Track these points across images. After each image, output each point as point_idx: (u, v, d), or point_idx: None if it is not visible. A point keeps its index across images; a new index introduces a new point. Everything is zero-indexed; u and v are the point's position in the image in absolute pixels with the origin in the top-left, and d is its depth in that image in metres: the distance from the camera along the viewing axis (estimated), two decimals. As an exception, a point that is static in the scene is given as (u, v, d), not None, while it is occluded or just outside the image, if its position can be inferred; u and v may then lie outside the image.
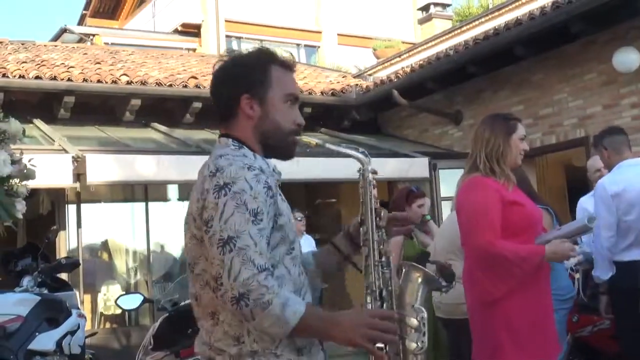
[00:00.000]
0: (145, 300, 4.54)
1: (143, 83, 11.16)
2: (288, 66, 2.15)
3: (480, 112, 10.83)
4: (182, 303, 4.21)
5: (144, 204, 10.96)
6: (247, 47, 20.37)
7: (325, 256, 2.29)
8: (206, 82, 11.72)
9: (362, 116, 12.70)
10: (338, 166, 10.41)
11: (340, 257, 2.24)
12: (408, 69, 11.83)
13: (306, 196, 14.38)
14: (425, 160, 10.70)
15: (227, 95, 2.09)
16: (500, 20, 12.03)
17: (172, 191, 11.75)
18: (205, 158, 8.00)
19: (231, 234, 1.82)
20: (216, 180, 1.89)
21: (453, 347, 4.98)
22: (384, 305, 2.03)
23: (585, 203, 5.35)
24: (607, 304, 4.76)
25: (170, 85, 11.33)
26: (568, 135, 9.58)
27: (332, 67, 17.99)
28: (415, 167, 10.66)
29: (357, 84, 13.07)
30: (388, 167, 10.64)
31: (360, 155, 2.21)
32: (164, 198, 11.68)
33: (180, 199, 11.79)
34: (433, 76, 11.04)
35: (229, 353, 1.90)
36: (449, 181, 10.12)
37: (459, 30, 14.45)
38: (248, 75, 2.08)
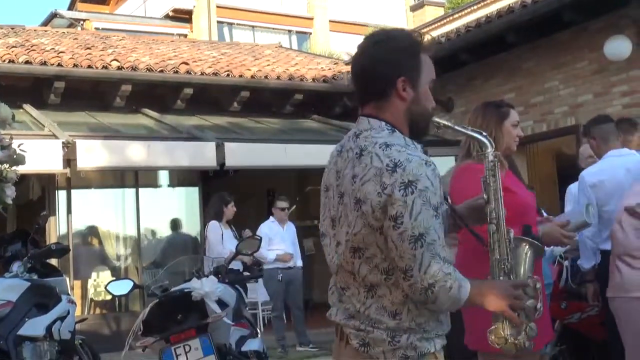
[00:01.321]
0: (135, 286, 4.53)
1: (134, 69, 11.12)
2: (431, 51, 2.24)
3: (472, 99, 10.84)
4: (173, 289, 4.20)
5: (134, 190, 10.94)
6: (238, 33, 20.24)
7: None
8: (197, 68, 11.70)
9: (354, 103, 12.68)
10: (328, 153, 10.38)
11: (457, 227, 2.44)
12: (400, 56, 11.80)
13: (296, 183, 14.39)
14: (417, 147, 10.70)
15: (384, 76, 2.13)
16: (492, 8, 12.03)
17: (163, 177, 11.73)
18: (196, 144, 7.88)
19: (421, 231, 1.97)
20: (400, 178, 1.98)
21: None
22: (511, 277, 2.24)
23: (575, 189, 5.36)
24: (594, 291, 4.78)
25: (162, 71, 11.29)
26: (559, 123, 9.60)
27: (323, 53, 17.96)
28: (406, 154, 10.65)
29: (348, 71, 13.04)
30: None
31: (483, 139, 2.33)
32: (155, 184, 11.66)
33: (171, 185, 11.79)
34: (425, 63, 11.01)
35: (387, 325, 2.05)
36: (439, 168, 10.12)
37: (450, 18, 14.44)
38: (405, 59, 2.15)
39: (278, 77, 12.05)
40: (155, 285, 4.58)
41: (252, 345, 4.45)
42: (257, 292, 9.29)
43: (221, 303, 4.09)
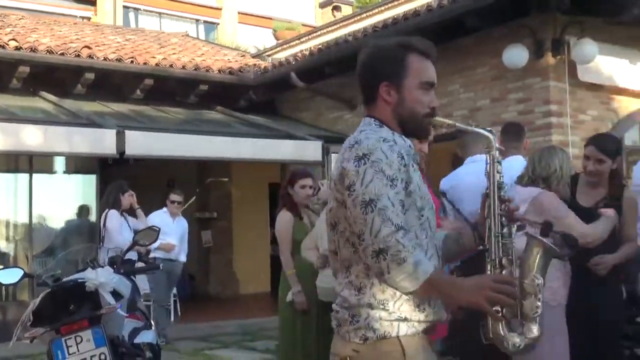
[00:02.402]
0: (25, 275, 4.38)
1: (33, 50, 10.71)
2: (426, 54, 2.33)
3: (375, 99, 11.01)
4: (65, 279, 4.08)
5: (27, 175, 10.53)
6: (144, 19, 19.70)
7: (451, 242, 2.43)
8: (100, 52, 11.40)
9: (259, 97, 12.66)
10: (231, 146, 10.37)
11: (475, 238, 2.37)
12: (307, 52, 11.87)
13: (198, 174, 14.26)
14: (319, 144, 10.79)
15: (369, 82, 2.34)
16: (399, 10, 12.23)
17: (59, 163, 11.35)
18: (95, 131, 7.73)
19: (372, 197, 2.07)
20: (355, 152, 2.14)
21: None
22: (503, 272, 2.21)
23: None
24: None
25: (62, 54, 10.92)
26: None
27: (231, 45, 17.83)
28: (309, 150, 10.73)
29: (255, 64, 13.02)
30: (282, 149, 10.68)
31: (487, 134, 2.35)
32: (50, 170, 11.28)
33: (67, 171, 11.43)
34: (331, 61, 11.11)
35: (350, 303, 2.15)
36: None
37: (358, 17, 14.60)
38: (386, 65, 2.31)
39: (183, 67, 11.88)
40: (46, 274, 4.43)
41: (145, 337, 4.37)
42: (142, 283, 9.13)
43: (116, 294, 4.00)
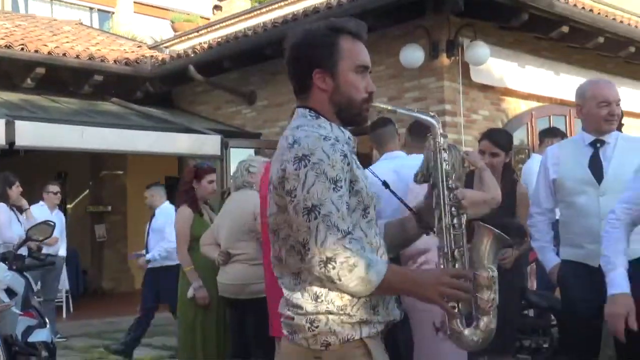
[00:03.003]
0: None
1: None
2: (358, 36, 2.19)
3: (274, 94, 11.06)
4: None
5: None
6: (35, 5, 18.99)
7: (394, 228, 2.35)
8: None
9: (155, 89, 12.45)
10: (127, 138, 10.16)
11: (418, 227, 2.29)
12: (206, 45, 11.76)
13: (91, 167, 13.90)
14: (217, 138, 10.72)
15: (300, 71, 2.17)
16: (299, 6, 12.29)
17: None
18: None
19: (315, 202, 1.95)
20: (295, 152, 1.99)
21: (237, 327, 5.06)
22: (456, 265, 2.13)
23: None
24: None
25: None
26: (355, 124, 10.00)
27: (127, 35, 17.42)
28: (207, 144, 10.63)
29: (152, 56, 12.78)
30: (180, 143, 10.55)
31: (431, 120, 2.24)
32: None
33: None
34: (230, 55, 11.08)
35: (306, 310, 2.03)
36: (237, 159, 10.22)
37: (258, 12, 14.56)
38: (318, 51, 2.15)
39: (78, 56, 11.51)
40: None
41: (39, 336, 4.25)
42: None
43: (9, 291, 3.88)
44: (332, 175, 1.97)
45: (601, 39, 10.05)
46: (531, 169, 6.62)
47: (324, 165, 1.97)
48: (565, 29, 9.50)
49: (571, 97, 10.38)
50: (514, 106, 10.04)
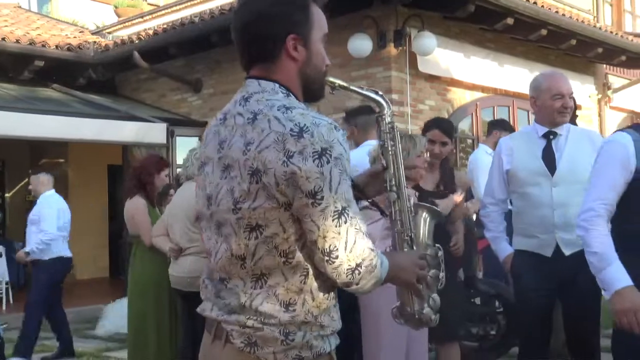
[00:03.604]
0: None
1: None
2: (320, 3, 1.98)
3: (219, 81, 10.96)
4: None
5: None
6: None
7: None
8: None
9: (98, 75, 12.19)
10: (69, 126, 9.93)
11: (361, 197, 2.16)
12: (151, 32, 11.56)
13: (30, 155, 13.57)
14: (163, 126, 10.57)
15: (270, 34, 1.87)
16: (244, -6, 12.19)
17: None
18: None
19: (344, 204, 1.75)
20: (308, 144, 1.72)
21: (187, 319, 5.00)
22: (414, 248, 2.06)
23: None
24: None
25: None
26: (303, 112, 9.99)
27: (67, 20, 17.00)
28: (152, 132, 10.47)
29: (95, 41, 12.50)
30: (125, 131, 10.36)
31: (379, 98, 2.11)
32: None
33: None
34: (176, 42, 10.91)
35: (280, 320, 1.80)
36: (187, 148, 10.12)
37: (204, -2, 14.40)
38: (293, 13, 1.89)
39: (17, 41, 11.18)
40: None
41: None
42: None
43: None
44: (349, 172, 1.79)
45: (544, 32, 10.25)
46: (477, 159, 6.73)
47: (343, 160, 1.77)
48: (510, 20, 9.65)
49: (514, 88, 10.74)
50: (460, 96, 10.18)
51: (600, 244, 2.90)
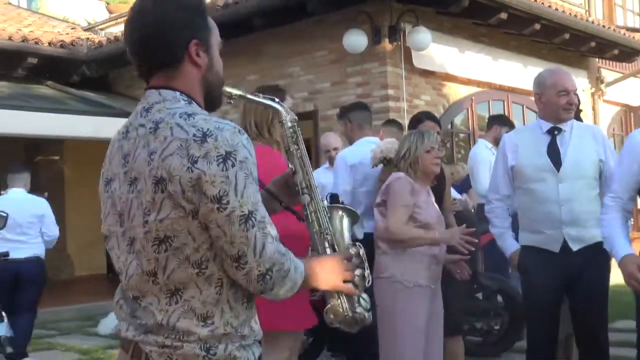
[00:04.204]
0: None
1: None
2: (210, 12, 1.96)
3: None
4: None
5: None
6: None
7: None
8: None
9: (92, 72, 12.19)
10: (66, 123, 9.92)
11: (276, 205, 2.14)
12: (144, 28, 11.53)
13: (25, 153, 13.51)
14: (157, 123, 10.54)
15: (175, 39, 1.82)
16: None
17: None
18: None
19: (250, 209, 1.70)
20: (212, 148, 1.68)
21: None
22: (335, 249, 2.05)
23: (318, 176, 5.62)
24: None
25: None
26: (298, 108, 9.95)
27: (58, 17, 16.92)
28: (148, 128, 10.44)
29: (88, 38, 12.48)
30: (119, 127, 10.32)
31: (277, 106, 2.11)
32: None
33: None
34: (170, 38, 10.90)
35: (199, 336, 1.73)
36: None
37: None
38: (194, 18, 1.85)
39: (10, 38, 11.16)
40: None
41: (-2, 330, 4.15)
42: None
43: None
44: (255, 175, 1.75)
45: (537, 26, 10.31)
46: (478, 154, 6.78)
47: (249, 163, 1.73)
48: (503, 15, 9.70)
49: (509, 82, 10.80)
50: (455, 91, 10.22)
51: (608, 230, 3.26)
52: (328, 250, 2.05)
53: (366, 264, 2.08)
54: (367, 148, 4.79)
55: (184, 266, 1.73)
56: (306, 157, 2.09)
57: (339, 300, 2.04)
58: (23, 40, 11.31)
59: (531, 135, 4.03)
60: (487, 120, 7.72)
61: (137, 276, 1.77)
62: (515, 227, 4.14)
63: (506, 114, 10.43)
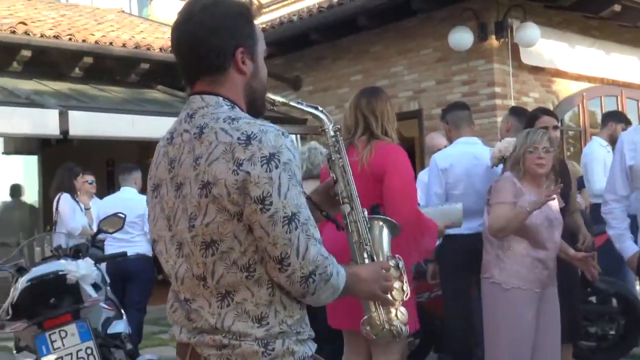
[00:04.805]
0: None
1: (-37, 26, 10.32)
2: (256, 19, 1.97)
3: (319, 79, 11.07)
4: (42, 271, 3.96)
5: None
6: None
7: None
8: (37, 29, 11.06)
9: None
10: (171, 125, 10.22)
11: (317, 215, 2.09)
12: (251, 31, 11.76)
13: (139, 155, 14.04)
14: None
15: (221, 46, 1.84)
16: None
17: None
18: (37, 111, 7.42)
19: (294, 210, 1.70)
20: (256, 150, 1.69)
21: None
22: (374, 259, 2.05)
23: (426, 178, 5.57)
24: (433, 270, 5.02)
25: (-4, 31, 10.55)
26: (402, 107, 9.96)
27: (167, 23, 17.49)
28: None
29: (196, 42, 12.81)
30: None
31: (320, 114, 2.12)
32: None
33: (6, 152, 11.10)
34: (275, 40, 11.03)
35: (255, 336, 1.74)
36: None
37: (301, -4, 14.55)
38: (242, 27, 1.88)
39: (124, 45, 11.63)
40: (9, 264, 4.32)
41: (118, 327, 4.32)
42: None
43: (95, 286, 3.96)
44: (299, 178, 1.75)
45: (654, 17, 9.90)
46: (592, 152, 6.57)
47: (292, 165, 1.73)
48: (617, 7, 9.36)
49: (623, 77, 10.39)
50: (565, 87, 9.93)
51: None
52: (367, 261, 2.04)
53: (405, 277, 2.08)
54: (460, 150, 4.76)
55: (233, 270, 1.75)
56: (348, 167, 2.09)
57: (376, 312, 2.05)
58: (136, 47, 11.75)
59: (651, 134, 3.88)
60: (601, 117, 7.47)
61: (187, 279, 1.81)
62: (633, 229, 4.00)
63: (620, 110, 10.05)
